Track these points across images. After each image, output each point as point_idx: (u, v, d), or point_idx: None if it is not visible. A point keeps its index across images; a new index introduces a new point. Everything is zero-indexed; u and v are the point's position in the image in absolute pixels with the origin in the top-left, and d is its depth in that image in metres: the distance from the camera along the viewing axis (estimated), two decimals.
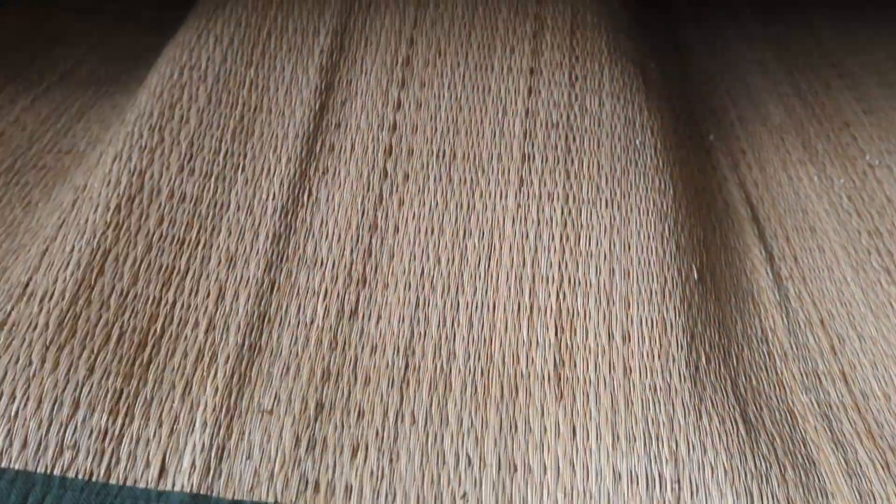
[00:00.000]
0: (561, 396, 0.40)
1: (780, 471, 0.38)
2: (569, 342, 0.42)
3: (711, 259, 0.51)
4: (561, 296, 0.44)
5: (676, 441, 0.38)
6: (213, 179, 0.49)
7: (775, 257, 0.53)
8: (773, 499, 0.37)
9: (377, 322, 0.44)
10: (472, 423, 0.39)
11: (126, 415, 0.38)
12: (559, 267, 0.46)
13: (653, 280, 0.45)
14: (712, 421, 0.39)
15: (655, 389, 0.40)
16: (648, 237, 0.47)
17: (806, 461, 0.40)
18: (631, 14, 0.72)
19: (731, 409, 0.40)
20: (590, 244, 0.47)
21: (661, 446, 0.38)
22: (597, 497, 0.37)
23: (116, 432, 0.37)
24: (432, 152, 0.52)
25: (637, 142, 0.53)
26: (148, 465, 0.37)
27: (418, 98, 0.55)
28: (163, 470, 0.37)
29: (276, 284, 0.45)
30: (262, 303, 0.44)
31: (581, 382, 0.41)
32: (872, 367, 0.46)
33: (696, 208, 0.54)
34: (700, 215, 0.54)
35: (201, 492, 0.36)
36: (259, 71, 0.56)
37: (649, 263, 0.46)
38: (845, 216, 0.57)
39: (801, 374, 0.45)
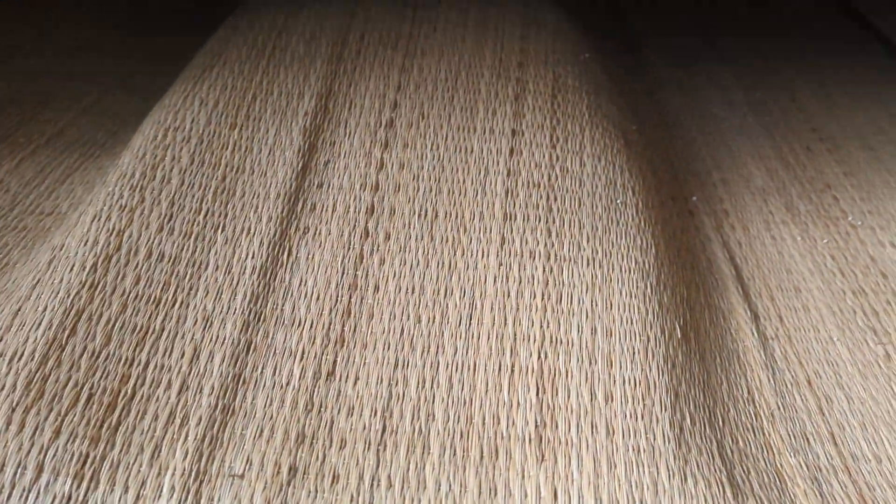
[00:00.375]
0: (542, 458, 0.39)
1: None
2: (550, 402, 0.41)
3: (695, 318, 0.50)
4: (542, 355, 0.44)
5: None
6: (192, 239, 0.49)
7: (760, 317, 0.53)
8: None
9: (354, 383, 0.43)
10: (450, 487, 0.38)
11: (91, 479, 0.36)
12: (541, 326, 0.45)
13: (635, 339, 0.44)
14: (698, 484, 0.38)
15: (639, 451, 0.39)
16: (630, 295, 0.47)
17: None
18: (614, 81, 0.73)
19: (718, 472, 0.39)
20: (571, 302, 0.46)
21: None
22: None
23: (80, 498, 0.36)
24: (414, 211, 0.52)
25: (618, 201, 0.53)
26: None
27: (401, 159, 0.55)
28: None
29: (253, 345, 0.44)
30: (238, 363, 0.43)
31: (563, 444, 0.39)
32: (862, 427, 0.45)
33: (679, 267, 0.53)
34: (683, 274, 0.53)
35: None
36: (243, 132, 0.56)
37: (631, 322, 0.45)
38: (829, 275, 0.57)
39: (789, 436, 0.44)
